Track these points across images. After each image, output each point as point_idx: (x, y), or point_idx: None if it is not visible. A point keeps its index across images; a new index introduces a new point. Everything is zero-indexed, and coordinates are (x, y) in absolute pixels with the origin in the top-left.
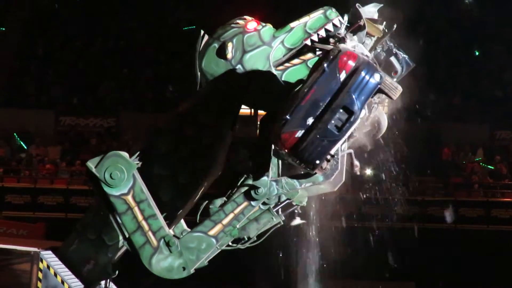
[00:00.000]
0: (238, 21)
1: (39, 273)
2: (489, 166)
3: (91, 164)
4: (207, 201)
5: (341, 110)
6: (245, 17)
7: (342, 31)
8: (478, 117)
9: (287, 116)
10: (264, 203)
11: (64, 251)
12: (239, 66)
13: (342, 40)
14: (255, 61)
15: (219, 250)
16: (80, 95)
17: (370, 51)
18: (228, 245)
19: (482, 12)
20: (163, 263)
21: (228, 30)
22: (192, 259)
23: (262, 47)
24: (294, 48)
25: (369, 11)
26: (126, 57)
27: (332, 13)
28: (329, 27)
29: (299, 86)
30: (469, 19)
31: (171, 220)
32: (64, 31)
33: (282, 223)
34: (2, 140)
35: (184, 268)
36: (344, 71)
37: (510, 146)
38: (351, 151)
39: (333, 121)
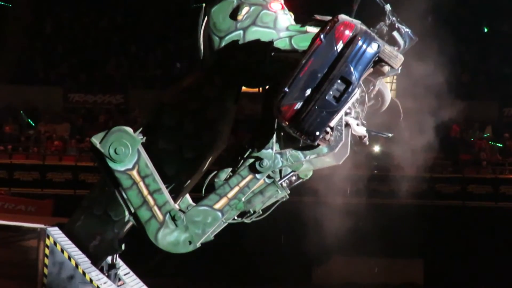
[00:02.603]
0: None
1: (46, 249)
2: (497, 144)
3: (95, 139)
4: (212, 175)
5: (339, 81)
6: None
7: None
8: (487, 94)
9: (286, 89)
10: (269, 176)
11: (71, 227)
12: (240, 32)
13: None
14: (257, 37)
15: (225, 224)
16: (88, 72)
17: None
18: (234, 219)
19: None
20: (169, 238)
21: None
22: (198, 233)
23: (271, 30)
24: (297, 50)
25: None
26: (135, 34)
27: None
28: None
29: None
30: None
31: (176, 195)
32: (72, 8)
33: (288, 197)
34: (11, 117)
35: (190, 242)
36: (341, 41)
37: None
38: (358, 122)
39: (331, 92)
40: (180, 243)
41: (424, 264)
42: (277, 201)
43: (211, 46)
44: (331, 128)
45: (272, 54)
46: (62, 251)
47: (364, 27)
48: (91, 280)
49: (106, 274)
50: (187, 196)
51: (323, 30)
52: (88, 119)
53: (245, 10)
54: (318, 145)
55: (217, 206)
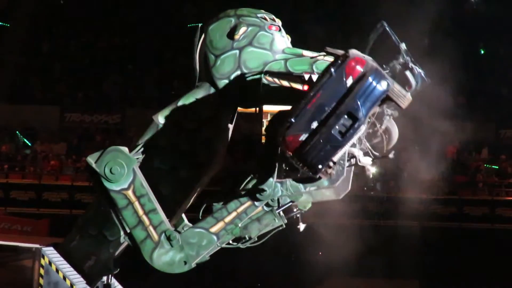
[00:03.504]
0: (266, 16)
1: (41, 269)
2: (493, 166)
3: (91, 159)
4: (210, 198)
5: (345, 116)
6: (274, 18)
7: None
8: (483, 116)
9: (292, 119)
10: (267, 204)
11: (66, 247)
12: (236, 52)
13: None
14: (252, 57)
15: (219, 247)
16: (86, 91)
17: None
18: (229, 243)
19: (487, 10)
20: (164, 258)
21: (251, 17)
22: (192, 255)
23: (267, 51)
24: (292, 73)
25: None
26: (132, 53)
27: None
28: None
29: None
30: (475, 18)
31: (171, 215)
32: (69, 27)
33: (284, 226)
34: (7, 136)
35: (185, 262)
36: (351, 77)
37: None
38: (357, 153)
39: (337, 127)
40: (175, 263)
41: (419, 286)
42: (274, 229)
43: (206, 64)
44: (334, 162)
45: (267, 75)
46: (57, 271)
47: (375, 65)
48: None
49: None
50: (183, 215)
51: (334, 64)
52: (84, 139)
53: (242, 30)
54: (320, 177)
55: (213, 229)
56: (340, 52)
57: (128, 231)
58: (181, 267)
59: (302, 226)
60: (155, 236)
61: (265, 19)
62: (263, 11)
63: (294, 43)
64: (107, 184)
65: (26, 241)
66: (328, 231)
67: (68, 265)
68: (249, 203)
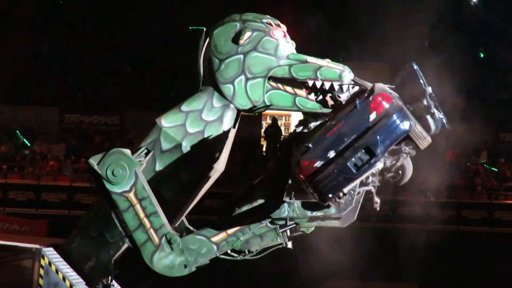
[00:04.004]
0: (271, 21)
1: (41, 269)
2: (493, 168)
3: (93, 161)
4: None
5: (363, 150)
6: (279, 23)
7: (344, 96)
8: (483, 119)
9: (310, 145)
10: (272, 222)
11: (66, 248)
12: (240, 57)
13: (339, 105)
14: (257, 62)
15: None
16: (85, 92)
17: None
18: (227, 254)
19: (487, 13)
20: (164, 261)
21: (256, 22)
22: (190, 261)
23: (271, 57)
24: (296, 78)
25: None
26: (131, 55)
27: (346, 76)
28: (336, 85)
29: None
30: (474, 21)
31: (173, 218)
32: (69, 28)
33: (285, 245)
34: (6, 137)
35: (185, 266)
36: (375, 112)
37: None
38: (373, 188)
39: (353, 159)
40: (175, 266)
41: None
42: (273, 246)
43: (210, 68)
44: (344, 194)
45: (271, 81)
46: (57, 271)
47: (400, 103)
48: None
49: None
50: (184, 219)
51: (360, 96)
52: (83, 140)
53: (247, 35)
54: (328, 205)
55: (214, 239)
56: (368, 84)
57: (129, 233)
58: (181, 270)
59: (289, 244)
60: (155, 239)
61: (270, 24)
62: (268, 16)
63: (298, 46)
64: (108, 186)
65: (25, 242)
66: (325, 233)
67: (68, 266)
68: (254, 218)
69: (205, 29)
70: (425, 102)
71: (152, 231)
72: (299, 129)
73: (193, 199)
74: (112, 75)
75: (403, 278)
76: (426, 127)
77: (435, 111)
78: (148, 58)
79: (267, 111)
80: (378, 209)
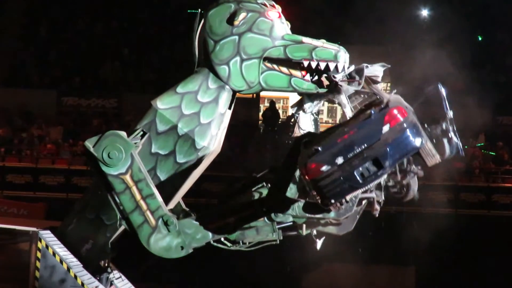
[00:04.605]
0: (266, 2)
1: (38, 252)
2: (490, 153)
3: (89, 143)
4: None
5: (371, 161)
6: (274, 4)
7: (339, 76)
8: (480, 102)
9: (319, 148)
10: (269, 217)
11: (63, 230)
12: (235, 38)
13: (334, 85)
14: (252, 43)
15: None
16: (82, 75)
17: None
18: (221, 242)
19: None
20: (161, 243)
21: (251, 3)
22: (184, 243)
23: (266, 38)
24: (291, 59)
25: (375, 70)
26: (129, 38)
27: (342, 57)
28: (331, 65)
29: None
30: (472, 4)
31: (169, 200)
32: (66, 11)
33: (278, 242)
34: (4, 120)
35: (182, 248)
36: (389, 124)
37: None
38: (374, 196)
39: (360, 169)
40: (172, 248)
41: (416, 272)
42: (267, 241)
43: (205, 50)
44: (346, 201)
45: (266, 62)
46: (54, 254)
47: (415, 119)
48: (82, 284)
49: (98, 278)
50: (180, 201)
51: (376, 105)
52: (81, 123)
53: (242, 15)
54: (329, 209)
55: (211, 225)
56: (386, 95)
57: (126, 215)
58: (178, 252)
59: (319, 243)
60: (152, 221)
61: (264, 5)
62: None
63: (293, 29)
64: (104, 168)
65: (22, 224)
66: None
67: (65, 249)
68: (253, 211)
69: (200, 10)
70: (444, 126)
71: (148, 213)
72: (294, 109)
73: (190, 181)
74: (110, 58)
75: (399, 262)
76: (441, 151)
77: (453, 136)
78: (146, 41)
79: (265, 94)
80: (376, 215)
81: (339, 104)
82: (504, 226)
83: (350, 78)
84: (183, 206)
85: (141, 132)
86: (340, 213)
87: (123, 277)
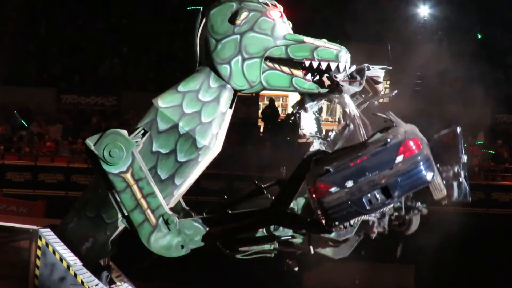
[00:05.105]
0: (267, 2)
1: (38, 250)
2: (490, 151)
3: (90, 141)
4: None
5: (381, 189)
6: (275, 4)
7: (340, 76)
8: (479, 100)
9: (331, 168)
10: (269, 229)
11: (63, 228)
12: (237, 37)
13: (336, 85)
14: (253, 43)
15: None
16: (82, 73)
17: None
18: (217, 247)
19: None
20: (161, 241)
21: (253, 2)
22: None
23: (268, 37)
24: (292, 59)
25: (376, 71)
26: (128, 35)
27: (343, 56)
28: (332, 65)
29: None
30: (471, 2)
31: (170, 198)
32: (66, 9)
33: (274, 254)
34: (3, 117)
35: (182, 246)
36: (403, 155)
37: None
38: (375, 219)
39: (369, 195)
40: (172, 247)
41: (415, 270)
42: (262, 252)
43: (207, 49)
44: (350, 225)
45: (267, 61)
46: (54, 252)
47: (429, 153)
48: (82, 282)
49: (98, 276)
50: (181, 200)
51: (392, 133)
52: (81, 121)
53: (244, 15)
54: (330, 231)
55: (210, 230)
56: (403, 125)
57: (126, 214)
58: (178, 251)
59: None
60: (153, 219)
61: (266, 4)
62: None
63: (295, 28)
64: (105, 166)
65: (22, 222)
66: None
67: (65, 247)
68: (254, 220)
69: (201, 9)
70: (456, 169)
71: (149, 211)
72: (296, 109)
73: (190, 180)
74: (109, 56)
75: (400, 260)
76: (450, 193)
77: (464, 181)
78: (146, 39)
79: (265, 92)
80: (373, 238)
81: (340, 103)
82: (503, 224)
83: (351, 78)
84: (183, 204)
85: (142, 131)
86: (340, 234)
87: (123, 275)
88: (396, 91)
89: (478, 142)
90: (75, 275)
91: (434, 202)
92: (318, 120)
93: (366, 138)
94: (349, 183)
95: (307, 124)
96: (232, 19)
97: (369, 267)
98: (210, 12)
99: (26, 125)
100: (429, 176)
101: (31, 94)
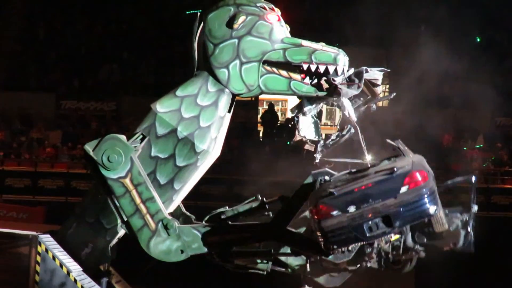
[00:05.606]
0: (265, 5)
1: (38, 256)
2: (492, 158)
3: (88, 147)
4: (220, 210)
5: (382, 218)
6: (273, 7)
7: (339, 79)
8: (479, 103)
9: (335, 192)
10: (265, 245)
11: (63, 234)
12: (235, 41)
13: (334, 88)
14: (251, 46)
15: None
16: (81, 78)
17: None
18: (213, 256)
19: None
20: (161, 246)
21: (251, 6)
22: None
23: (265, 41)
24: (290, 62)
25: (374, 74)
26: (128, 40)
27: (341, 59)
28: (330, 68)
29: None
30: (471, 6)
31: (169, 203)
32: (65, 14)
33: (266, 273)
34: (3, 123)
35: (182, 251)
36: (408, 186)
37: (511, 133)
38: (376, 244)
39: (370, 222)
40: (172, 251)
41: (415, 274)
42: (255, 268)
43: (205, 53)
44: (348, 250)
45: (265, 65)
46: (53, 258)
47: (434, 186)
48: None
49: (98, 282)
50: (180, 204)
51: (400, 164)
52: (80, 126)
53: (241, 19)
54: (328, 254)
55: (209, 239)
56: (411, 155)
57: (125, 219)
58: (178, 256)
59: None
60: (152, 224)
61: (264, 8)
62: (262, 0)
63: (292, 31)
64: (104, 172)
65: (22, 228)
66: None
67: (65, 253)
68: (252, 235)
69: (199, 13)
70: (465, 217)
71: (148, 216)
72: (294, 113)
73: (190, 184)
74: (108, 61)
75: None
76: (455, 240)
77: (470, 231)
78: (145, 44)
79: (264, 96)
80: (368, 264)
81: (338, 107)
82: (504, 227)
83: (349, 81)
84: (183, 209)
85: (141, 136)
86: (338, 257)
87: (123, 280)
88: (394, 94)
89: (478, 146)
90: (75, 281)
91: (435, 239)
92: (316, 124)
93: (371, 164)
94: (352, 208)
95: (306, 128)
96: (230, 23)
97: (369, 271)
98: (207, 16)
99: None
100: (432, 209)
101: (30, 100)
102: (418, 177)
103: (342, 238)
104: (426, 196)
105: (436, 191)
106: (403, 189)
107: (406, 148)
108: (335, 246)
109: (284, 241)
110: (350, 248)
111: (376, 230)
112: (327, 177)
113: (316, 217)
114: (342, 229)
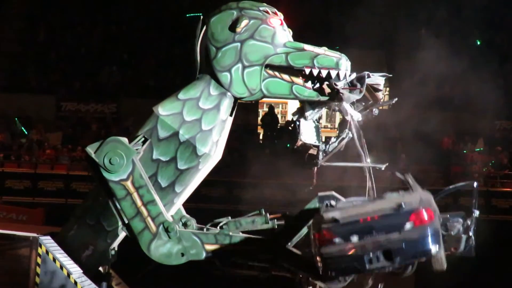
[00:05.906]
0: (268, 9)
1: (38, 258)
2: (492, 161)
3: (90, 149)
4: (223, 221)
5: (383, 251)
6: (276, 11)
7: (341, 84)
8: (479, 107)
9: (340, 219)
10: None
11: (63, 236)
12: (237, 45)
13: (336, 92)
14: (254, 50)
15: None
16: (81, 80)
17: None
18: (209, 262)
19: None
20: (162, 249)
21: (253, 10)
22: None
23: (268, 45)
24: (293, 67)
25: (376, 79)
26: (128, 42)
27: (343, 64)
28: (333, 73)
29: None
30: (471, 8)
31: (170, 206)
32: (65, 16)
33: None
34: (3, 125)
35: (182, 254)
36: (413, 222)
37: (511, 136)
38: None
39: (371, 254)
40: (172, 254)
41: (414, 276)
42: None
43: (207, 56)
44: (345, 279)
45: (268, 69)
46: (54, 260)
47: (438, 226)
48: None
49: (98, 284)
50: (181, 207)
51: (408, 200)
52: (80, 128)
53: (244, 23)
54: (325, 280)
55: (207, 247)
56: (419, 191)
57: (126, 221)
58: (179, 259)
59: None
60: (153, 227)
61: (267, 12)
62: (265, 4)
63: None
64: (106, 174)
65: (22, 230)
66: None
67: (65, 255)
68: (251, 249)
69: (202, 16)
70: (468, 223)
71: (149, 219)
72: (295, 117)
73: (191, 187)
74: (108, 63)
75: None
76: (456, 245)
77: (472, 236)
78: (145, 46)
79: (264, 99)
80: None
81: (340, 111)
82: (503, 230)
83: (351, 86)
84: (184, 212)
85: (143, 138)
86: (332, 282)
87: (123, 283)
88: (396, 99)
89: (478, 149)
90: (75, 283)
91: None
92: (317, 128)
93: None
94: (354, 238)
95: (307, 132)
96: (233, 27)
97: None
98: (210, 20)
99: (26, 132)
100: (433, 249)
101: (30, 102)
102: (425, 215)
103: (342, 266)
104: (430, 235)
105: (440, 232)
106: (408, 225)
107: (415, 182)
108: (333, 273)
109: (283, 259)
110: (347, 277)
111: (376, 263)
112: (333, 202)
113: (318, 242)
114: (342, 258)
